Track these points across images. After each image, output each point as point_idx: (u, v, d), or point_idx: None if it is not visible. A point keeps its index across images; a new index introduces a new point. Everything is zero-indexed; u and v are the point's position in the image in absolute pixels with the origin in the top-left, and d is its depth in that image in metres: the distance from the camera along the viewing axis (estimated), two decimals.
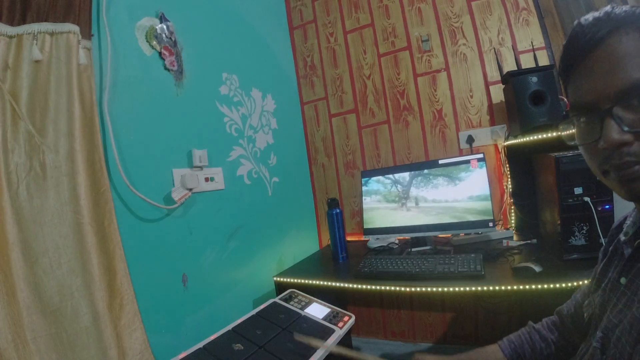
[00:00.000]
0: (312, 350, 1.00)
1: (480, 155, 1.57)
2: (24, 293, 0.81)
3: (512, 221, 1.70)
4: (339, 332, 1.12)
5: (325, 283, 1.40)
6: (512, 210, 1.69)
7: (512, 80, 1.46)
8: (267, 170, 1.83)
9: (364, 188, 1.82)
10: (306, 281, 1.45)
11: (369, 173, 1.82)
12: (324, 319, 1.19)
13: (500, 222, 1.72)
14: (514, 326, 1.66)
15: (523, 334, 0.85)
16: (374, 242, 1.77)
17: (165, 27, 1.34)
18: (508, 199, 1.72)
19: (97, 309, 0.94)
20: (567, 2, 1.60)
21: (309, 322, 1.18)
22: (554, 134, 1.31)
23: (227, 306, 1.45)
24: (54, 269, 0.89)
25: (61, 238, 0.92)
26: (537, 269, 1.13)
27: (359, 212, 2.10)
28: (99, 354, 0.93)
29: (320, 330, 1.12)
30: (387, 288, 1.27)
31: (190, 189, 1.31)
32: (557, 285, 1.03)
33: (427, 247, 1.61)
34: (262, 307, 1.23)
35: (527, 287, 1.08)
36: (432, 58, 1.90)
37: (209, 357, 0.96)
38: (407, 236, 1.70)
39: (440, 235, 1.72)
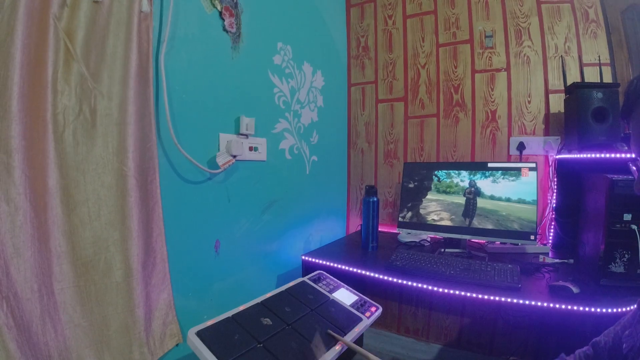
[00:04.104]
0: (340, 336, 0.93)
1: (533, 165, 1.42)
2: (56, 241, 0.75)
3: (550, 237, 1.58)
4: (365, 322, 1.05)
5: (354, 270, 1.31)
6: (552, 226, 1.57)
7: (577, 92, 1.35)
8: (307, 148, 1.72)
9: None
10: (334, 265, 1.36)
11: (412, 165, 1.68)
12: (352, 306, 1.12)
13: (538, 237, 1.57)
14: (531, 343, 1.58)
15: None
16: (405, 236, 1.65)
17: None
18: (550, 214, 1.57)
19: (131, 266, 0.88)
20: (634, 22, 1.50)
21: (337, 307, 1.10)
22: (613, 154, 1.23)
23: (253, 278, 1.38)
24: (92, 219, 0.82)
25: (104, 189, 0.85)
26: (575, 290, 1.04)
27: (392, 203, 1.98)
28: (125, 312, 0.87)
29: (348, 317, 1.05)
30: (419, 286, 1.17)
31: (235, 156, 1.22)
32: (593, 310, 0.97)
33: (461, 250, 1.48)
34: (291, 284, 1.16)
35: (564, 307, 1.00)
36: (494, 56, 1.72)
37: (237, 327, 0.90)
38: (442, 235, 1.57)
39: (474, 240, 1.58)
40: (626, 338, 0.66)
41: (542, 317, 1.56)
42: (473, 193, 1.50)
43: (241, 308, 0.98)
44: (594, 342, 0.77)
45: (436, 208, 1.56)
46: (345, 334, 0.97)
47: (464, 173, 1.53)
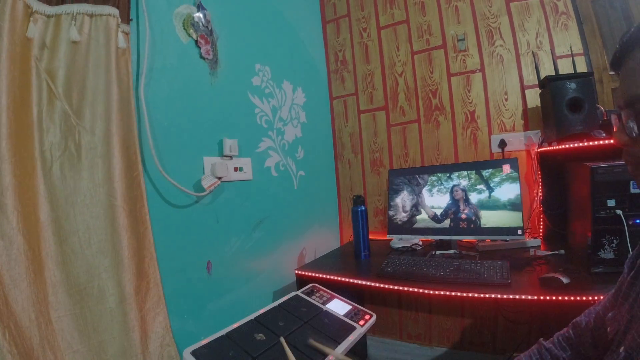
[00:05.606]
0: (334, 346, 0.96)
1: (515, 160, 1.47)
2: (51, 271, 0.80)
3: (540, 230, 1.62)
4: (359, 330, 1.08)
5: (347, 280, 1.35)
6: (541, 219, 1.62)
7: (550, 85, 1.39)
8: (294, 164, 1.79)
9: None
10: (327, 276, 1.40)
11: (397, 172, 1.75)
12: (345, 315, 1.15)
13: (528, 230, 1.63)
14: (534, 338, 1.62)
15: (534, 354, 0.78)
16: (397, 242, 1.70)
17: (202, 15, 1.30)
18: (537, 207, 1.62)
19: (124, 291, 0.92)
20: (605, 9, 1.54)
21: (330, 317, 1.13)
22: (591, 142, 1.26)
23: (248, 295, 1.42)
24: (83, 248, 0.87)
25: (92, 219, 0.90)
26: (565, 280, 1.06)
27: (382, 211, 2.03)
28: (121, 336, 0.91)
29: (341, 327, 1.08)
30: (410, 290, 1.21)
31: (220, 178, 1.28)
32: (584, 298, 0.99)
33: (452, 251, 1.53)
34: (284, 299, 1.19)
35: (554, 298, 1.02)
36: (468, 58, 1.80)
37: (231, 344, 0.93)
38: (432, 238, 1.62)
39: (465, 240, 1.64)
40: (610, 321, 0.66)
41: (542, 310, 1.58)
42: (459, 194, 1.56)
43: (235, 325, 1.01)
44: (574, 323, 0.78)
45: (424, 212, 1.62)
46: (340, 343, 1.01)
47: (451, 175, 1.59)
